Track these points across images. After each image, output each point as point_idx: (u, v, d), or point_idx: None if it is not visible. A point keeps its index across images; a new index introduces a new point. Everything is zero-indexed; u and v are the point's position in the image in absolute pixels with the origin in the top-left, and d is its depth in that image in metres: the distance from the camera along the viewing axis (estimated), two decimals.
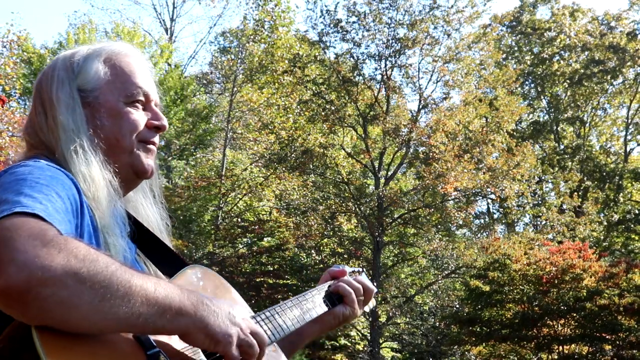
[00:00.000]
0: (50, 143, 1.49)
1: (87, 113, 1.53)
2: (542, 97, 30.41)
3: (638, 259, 21.17)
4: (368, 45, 21.49)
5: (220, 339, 1.27)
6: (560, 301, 16.02)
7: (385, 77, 21.43)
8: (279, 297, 20.59)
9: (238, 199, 23.22)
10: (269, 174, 21.89)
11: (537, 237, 20.79)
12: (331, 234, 21.65)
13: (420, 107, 21.74)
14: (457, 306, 21.77)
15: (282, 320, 1.66)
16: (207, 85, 30.35)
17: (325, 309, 1.88)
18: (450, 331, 19.96)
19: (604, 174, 27.62)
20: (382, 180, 21.75)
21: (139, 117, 1.57)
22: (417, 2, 21.78)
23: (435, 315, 24.10)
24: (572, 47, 28.08)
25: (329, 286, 1.95)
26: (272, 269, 23.15)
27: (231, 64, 24.35)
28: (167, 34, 29.01)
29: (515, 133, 26.29)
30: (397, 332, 24.21)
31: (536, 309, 16.30)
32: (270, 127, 22.09)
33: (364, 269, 2.18)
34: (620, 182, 27.22)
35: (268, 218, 23.37)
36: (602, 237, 26.33)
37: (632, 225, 26.28)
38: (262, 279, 22.17)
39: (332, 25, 21.40)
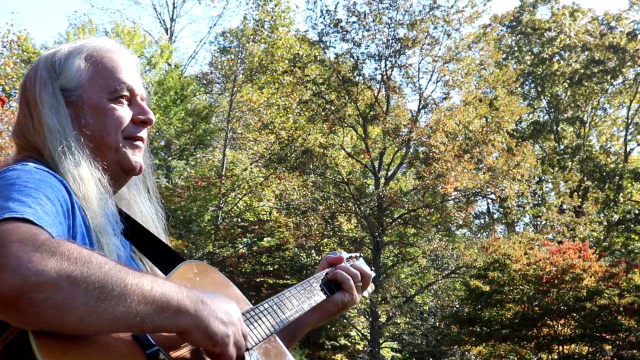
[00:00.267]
0: (38, 144, 1.48)
1: (72, 112, 1.51)
2: (542, 97, 30.41)
3: (638, 259, 21.18)
4: (368, 45, 21.52)
5: (219, 341, 1.27)
6: (560, 301, 16.02)
7: (385, 77, 21.43)
8: None
9: (238, 199, 23.22)
10: (269, 174, 21.90)
11: (537, 237, 20.79)
12: (331, 234, 21.65)
13: (420, 107, 21.75)
14: (457, 306, 21.77)
15: (281, 311, 1.66)
16: (207, 85, 30.35)
17: (324, 297, 1.87)
18: (450, 331, 19.96)
19: (604, 174, 27.62)
20: (382, 180, 21.75)
21: (124, 113, 1.55)
22: (417, 2, 21.80)
23: (435, 315, 24.10)
24: (572, 47, 28.08)
25: (327, 274, 1.94)
26: (272, 269, 23.16)
27: (231, 64, 24.35)
28: (167, 34, 29.02)
29: (515, 133, 26.28)
30: (397, 332, 24.21)
31: (536, 309, 16.30)
32: (270, 127, 22.09)
33: (362, 254, 2.17)
34: (620, 182, 27.22)
35: (268, 218, 23.38)
36: (602, 237, 26.33)
37: (632, 225, 26.29)
38: (262, 279, 22.18)
39: (332, 25, 21.41)
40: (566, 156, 28.19)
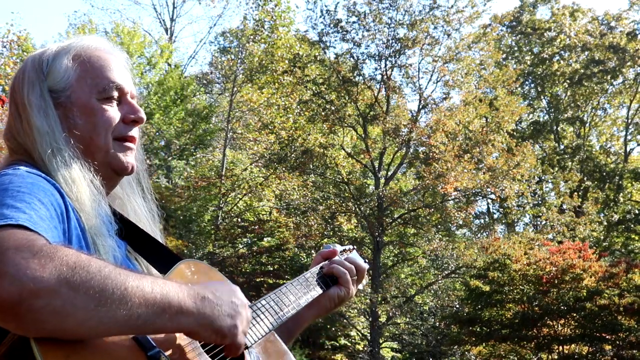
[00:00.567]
0: (28, 147, 1.46)
1: (61, 113, 1.49)
2: (542, 97, 30.41)
3: (638, 259, 21.18)
4: (368, 45, 21.52)
5: (227, 333, 1.27)
6: (560, 301, 16.02)
7: (385, 77, 21.43)
8: None
9: (238, 199, 23.22)
10: (269, 174, 21.89)
11: (537, 237, 20.79)
12: (331, 234, 21.65)
13: (420, 107, 21.75)
14: (457, 306, 21.77)
15: (278, 308, 1.65)
16: (207, 85, 30.34)
17: (320, 291, 1.87)
18: (450, 331, 19.96)
19: (604, 174, 27.62)
20: (382, 180, 21.75)
21: (113, 113, 1.52)
22: (417, 2, 21.82)
23: (435, 315, 24.09)
24: (572, 47, 28.07)
25: (321, 268, 1.94)
26: (272, 269, 23.16)
27: (231, 64, 24.35)
28: (167, 34, 29.02)
29: (515, 133, 26.28)
30: (397, 332, 24.20)
31: (536, 309, 16.30)
32: (270, 127, 22.09)
33: (355, 246, 2.16)
34: (620, 182, 27.21)
35: (268, 218, 23.38)
36: (602, 237, 26.32)
37: (632, 225, 26.28)
38: (262, 279, 22.17)
39: (332, 25, 21.41)
40: (566, 156, 28.19)
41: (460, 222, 22.51)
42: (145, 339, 1.24)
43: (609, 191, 27.38)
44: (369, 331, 21.60)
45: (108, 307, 1.11)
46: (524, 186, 22.04)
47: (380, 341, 21.72)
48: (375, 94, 21.58)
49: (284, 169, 21.26)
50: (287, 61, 21.37)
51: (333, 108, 21.02)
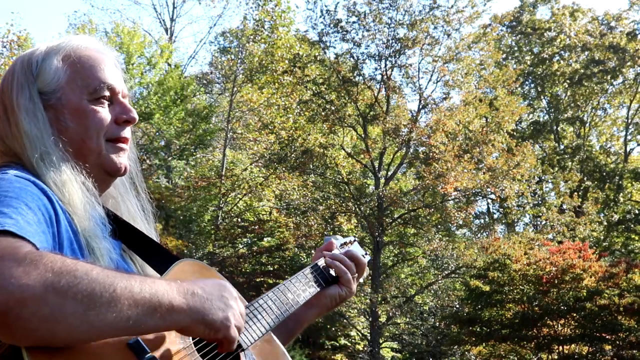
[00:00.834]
0: (17, 150, 1.44)
1: (51, 116, 1.47)
2: (542, 97, 30.41)
3: (638, 259, 21.18)
4: (368, 45, 21.53)
5: (219, 326, 1.25)
6: (560, 301, 16.02)
7: (385, 77, 21.43)
8: None
9: (238, 199, 23.21)
10: (269, 174, 21.89)
11: (537, 237, 20.79)
12: (331, 234, 21.64)
13: (420, 107, 21.75)
14: (457, 306, 21.77)
15: (276, 308, 1.62)
16: (207, 85, 30.33)
17: (319, 289, 1.82)
18: (450, 331, 19.97)
19: (604, 174, 27.62)
20: (382, 180, 21.75)
21: (105, 114, 1.50)
22: (417, 2, 21.84)
23: (435, 315, 24.09)
24: (572, 47, 28.07)
25: (320, 264, 1.88)
26: (272, 269, 23.15)
27: (231, 64, 24.34)
28: (167, 34, 29.00)
29: (515, 133, 26.28)
30: (397, 332, 24.20)
31: (536, 309, 16.30)
32: (270, 127, 22.10)
33: (356, 238, 2.13)
34: (620, 182, 27.21)
35: (268, 218, 23.37)
36: (602, 237, 26.32)
37: (632, 225, 26.28)
38: (262, 279, 22.17)
39: (332, 25, 21.42)
40: (566, 156, 28.19)
41: (460, 222, 22.51)
42: (138, 343, 1.23)
43: (609, 191, 27.38)
44: (369, 331, 21.60)
45: (97, 311, 1.10)
46: (524, 186, 22.04)
47: (380, 341, 21.73)
48: (375, 94, 21.58)
49: (284, 169, 21.26)
50: (287, 61, 21.37)
51: (333, 108, 21.02)
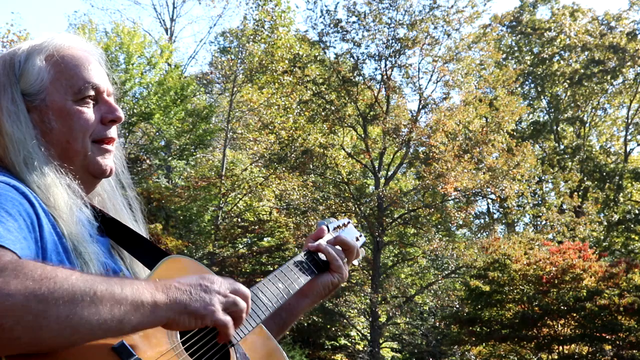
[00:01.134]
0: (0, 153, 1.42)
1: (35, 117, 1.45)
2: (542, 97, 30.41)
3: (638, 259, 21.16)
4: (368, 45, 21.52)
5: (204, 312, 1.24)
6: (560, 301, 16.02)
7: (385, 77, 21.43)
8: None
9: (238, 199, 23.21)
10: (269, 174, 21.89)
11: (537, 237, 20.78)
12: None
13: (420, 107, 21.75)
14: (457, 306, 21.77)
15: (267, 299, 1.59)
16: (207, 85, 30.32)
17: (310, 277, 1.78)
18: (450, 331, 19.96)
19: (604, 174, 27.61)
20: (382, 180, 21.75)
21: (90, 115, 1.48)
22: (417, 2, 21.81)
23: (435, 315, 24.10)
24: (572, 47, 28.07)
25: (311, 251, 1.85)
26: (272, 269, 23.12)
27: (231, 64, 24.33)
28: (167, 34, 29.00)
29: (515, 133, 26.28)
30: (397, 332, 24.20)
31: (536, 309, 16.30)
32: (270, 127, 22.09)
33: (350, 220, 2.09)
34: (620, 182, 27.20)
35: (268, 218, 23.37)
36: (602, 237, 26.32)
37: (632, 225, 26.27)
38: (262, 279, 22.12)
39: (332, 25, 21.41)
40: (566, 156, 28.18)
41: (460, 222, 22.50)
42: (123, 347, 1.22)
43: (609, 191, 27.37)
44: (369, 331, 21.60)
45: (80, 314, 1.10)
46: (524, 186, 22.04)
47: (380, 341, 21.72)
48: (375, 94, 21.58)
49: (284, 169, 21.26)
50: (287, 61, 21.36)
51: (333, 108, 21.02)
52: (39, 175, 1.39)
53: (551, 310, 16.01)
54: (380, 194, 20.67)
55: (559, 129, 29.67)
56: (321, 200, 22.06)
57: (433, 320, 24.22)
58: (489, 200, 27.12)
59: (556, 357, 16.55)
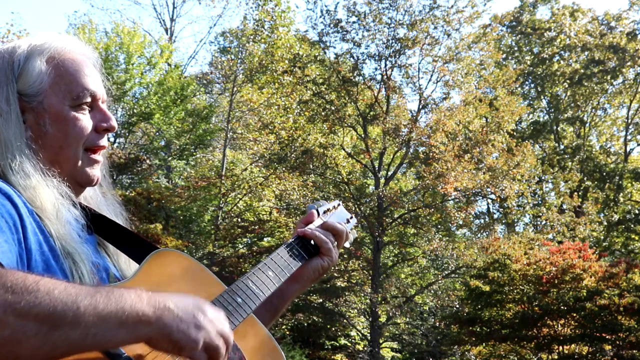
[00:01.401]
0: None
1: (30, 119, 1.44)
2: (542, 97, 30.41)
3: (638, 259, 21.15)
4: (368, 45, 21.52)
5: (184, 345, 1.19)
6: (560, 301, 16.01)
7: (385, 77, 21.43)
8: None
9: (238, 199, 23.21)
10: (269, 174, 21.89)
11: (537, 237, 20.78)
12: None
13: (420, 107, 21.75)
14: (457, 306, 21.77)
15: (257, 288, 1.56)
16: (207, 85, 30.33)
17: (300, 263, 1.76)
18: (450, 331, 19.96)
19: (604, 174, 27.60)
20: (382, 180, 21.75)
21: (86, 122, 1.49)
22: (417, 2, 21.80)
23: (435, 315, 24.09)
24: (572, 47, 28.07)
25: (300, 237, 1.83)
26: None
27: (231, 64, 24.34)
28: (167, 34, 29.01)
29: (515, 133, 26.28)
30: (397, 332, 24.20)
31: (536, 309, 16.29)
32: (270, 127, 22.09)
33: (340, 202, 2.06)
34: (620, 182, 27.20)
35: (268, 218, 23.36)
36: (602, 237, 26.32)
37: (632, 225, 26.26)
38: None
39: (332, 25, 21.41)
40: (566, 156, 28.18)
41: (460, 222, 22.50)
42: (116, 350, 1.20)
43: (609, 191, 27.37)
44: (369, 331, 21.60)
45: (61, 331, 1.07)
46: (524, 186, 22.04)
47: (380, 341, 21.72)
48: (375, 94, 21.58)
49: (284, 169, 21.25)
50: (287, 61, 21.36)
51: (333, 108, 21.02)
52: (24, 177, 1.37)
53: (551, 310, 16.00)
54: (380, 194, 20.67)
55: (559, 129, 29.67)
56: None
57: (433, 320, 24.22)
58: (489, 200, 27.13)
59: (556, 357, 16.55)
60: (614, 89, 28.64)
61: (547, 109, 30.39)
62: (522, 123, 29.84)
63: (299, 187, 21.56)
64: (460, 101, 21.75)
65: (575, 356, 16.10)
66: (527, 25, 29.10)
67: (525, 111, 26.69)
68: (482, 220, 28.76)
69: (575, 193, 26.50)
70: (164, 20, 29.80)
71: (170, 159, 25.67)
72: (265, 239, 23.77)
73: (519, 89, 28.13)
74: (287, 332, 21.19)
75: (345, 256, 21.51)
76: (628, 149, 28.70)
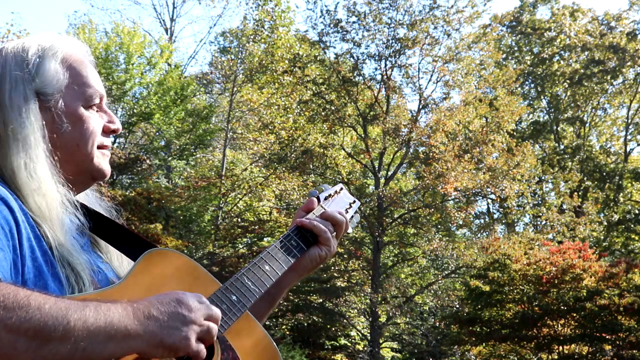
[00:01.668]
0: None
1: (47, 118, 1.44)
2: (542, 97, 30.41)
3: (638, 259, 21.15)
4: (368, 45, 21.52)
5: (177, 346, 1.21)
6: (560, 301, 16.01)
7: (385, 77, 21.43)
8: None
9: (238, 199, 23.20)
10: (269, 174, 21.89)
11: (537, 237, 20.78)
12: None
13: (420, 107, 21.75)
14: (457, 306, 21.77)
15: (252, 284, 1.55)
16: (207, 85, 30.33)
17: (299, 255, 1.75)
18: (450, 331, 19.96)
19: (604, 174, 27.60)
20: (382, 180, 21.75)
21: (99, 122, 1.53)
22: (417, 2, 21.79)
23: (435, 315, 24.09)
24: (572, 47, 28.07)
25: (299, 227, 1.83)
26: None
27: (231, 64, 24.34)
28: (167, 34, 29.00)
29: (515, 133, 26.28)
30: (397, 332, 24.20)
31: (536, 309, 16.30)
32: (270, 127, 22.09)
33: (343, 187, 2.03)
34: (620, 182, 27.20)
35: (268, 218, 23.36)
36: (602, 237, 26.32)
37: (632, 225, 26.27)
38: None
39: (332, 25, 21.41)
40: (566, 156, 28.18)
41: (460, 222, 22.50)
42: None
43: (609, 191, 27.37)
44: (369, 331, 21.60)
45: (51, 346, 1.08)
46: (524, 186, 22.03)
47: (380, 341, 21.72)
48: (375, 94, 21.58)
49: (284, 169, 21.25)
50: (287, 61, 21.36)
51: (333, 108, 21.02)
52: (35, 180, 1.37)
53: (551, 310, 16.00)
54: (380, 194, 20.66)
55: (559, 129, 29.67)
56: None
57: (433, 320, 24.22)
58: (489, 200, 27.13)
59: (556, 357, 16.55)
60: (614, 89, 28.64)
61: (547, 109, 30.39)
62: (522, 123, 29.84)
63: (299, 187, 21.56)
64: (460, 101, 21.76)
65: (575, 356, 16.10)
66: (527, 25, 29.10)
67: (525, 111, 26.69)
68: (482, 220, 28.76)
69: (575, 193, 26.50)
70: (164, 20, 29.81)
71: (170, 159, 25.66)
72: (265, 239, 23.76)
73: (519, 89, 28.13)
74: (287, 332, 21.20)
75: (345, 256, 21.52)
76: (628, 149, 28.71)
